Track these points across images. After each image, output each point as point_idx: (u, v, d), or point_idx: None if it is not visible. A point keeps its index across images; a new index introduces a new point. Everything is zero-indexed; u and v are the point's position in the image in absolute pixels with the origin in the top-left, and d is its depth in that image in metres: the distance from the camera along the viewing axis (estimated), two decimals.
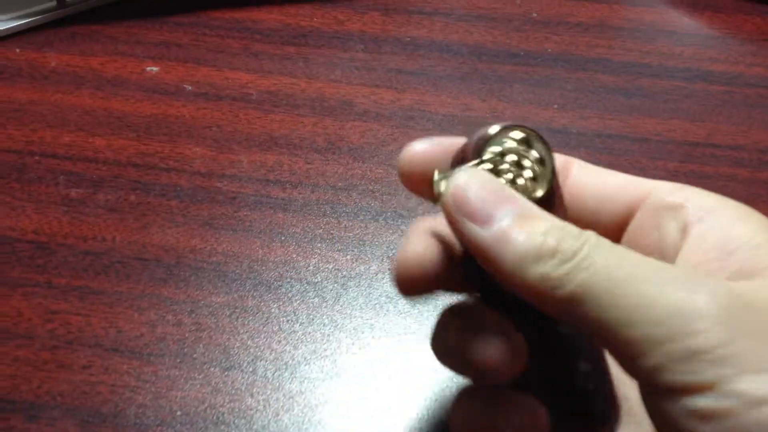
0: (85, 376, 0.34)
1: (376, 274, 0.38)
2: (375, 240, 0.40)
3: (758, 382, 0.18)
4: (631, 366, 0.20)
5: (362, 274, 0.38)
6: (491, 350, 0.22)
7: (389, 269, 0.39)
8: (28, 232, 0.39)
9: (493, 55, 0.50)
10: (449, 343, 0.24)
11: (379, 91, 0.47)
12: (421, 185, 0.25)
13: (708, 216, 0.22)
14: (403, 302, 0.37)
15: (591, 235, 0.20)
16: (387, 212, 0.41)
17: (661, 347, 0.19)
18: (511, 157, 0.22)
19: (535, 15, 0.52)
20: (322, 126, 0.45)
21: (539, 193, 0.22)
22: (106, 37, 0.50)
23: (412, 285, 0.23)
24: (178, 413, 0.33)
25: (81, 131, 0.44)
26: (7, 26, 0.49)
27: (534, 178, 0.22)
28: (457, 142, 0.25)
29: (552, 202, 0.22)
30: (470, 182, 0.21)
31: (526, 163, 0.23)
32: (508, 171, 0.22)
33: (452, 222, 0.22)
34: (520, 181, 0.22)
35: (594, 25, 0.52)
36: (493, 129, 0.23)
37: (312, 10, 0.52)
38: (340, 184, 0.42)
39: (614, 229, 0.25)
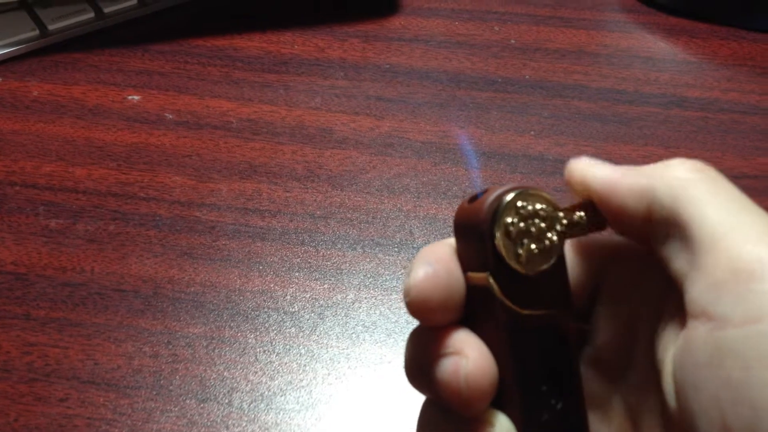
0: (62, 409, 0.34)
1: (353, 303, 0.39)
2: (352, 268, 0.40)
3: None
4: (679, 268, 0.20)
5: (339, 303, 0.39)
6: (451, 372, 0.22)
7: (366, 298, 0.39)
8: (7, 263, 0.40)
9: (472, 82, 0.50)
10: (416, 364, 0.24)
11: (359, 118, 0.48)
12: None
13: None
14: (378, 332, 0.38)
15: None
16: (364, 240, 0.41)
17: (719, 253, 0.19)
18: (529, 220, 0.22)
19: (513, 42, 0.53)
20: (302, 154, 0.46)
21: (552, 259, 0.23)
22: (88, 66, 0.50)
23: (432, 311, 0.23)
24: None
25: (61, 161, 0.45)
26: None
27: (544, 243, 0.22)
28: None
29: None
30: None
31: (541, 225, 0.23)
32: (522, 235, 0.22)
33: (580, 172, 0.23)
34: (539, 230, 0.22)
35: (571, 51, 0.52)
36: (508, 196, 0.22)
37: (293, 38, 0.53)
38: (318, 212, 0.43)
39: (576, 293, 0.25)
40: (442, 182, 0.44)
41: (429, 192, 0.44)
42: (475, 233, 0.22)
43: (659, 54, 0.53)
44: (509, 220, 0.22)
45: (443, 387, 0.22)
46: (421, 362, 0.23)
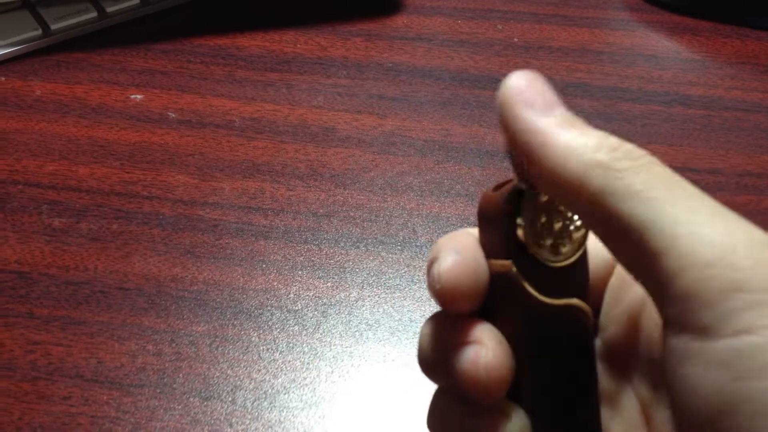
0: (65, 407, 0.34)
1: (356, 301, 0.39)
2: (355, 267, 0.40)
3: None
4: (657, 286, 0.18)
5: (342, 301, 0.39)
6: (471, 360, 0.22)
7: (369, 296, 0.39)
8: (11, 262, 0.40)
9: (475, 81, 0.50)
10: (433, 352, 0.24)
11: (361, 117, 0.48)
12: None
13: None
14: (382, 329, 0.38)
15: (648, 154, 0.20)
16: (367, 239, 0.41)
17: (698, 270, 0.17)
18: (554, 210, 0.22)
19: (516, 40, 0.53)
20: (304, 152, 0.46)
21: (577, 252, 0.22)
22: (90, 65, 0.50)
23: (460, 299, 0.22)
24: None
25: (65, 160, 0.45)
26: None
27: (570, 238, 0.22)
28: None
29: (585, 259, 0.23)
30: (532, 77, 0.21)
31: (562, 220, 0.22)
32: (546, 226, 0.22)
33: (508, 112, 0.21)
34: (558, 226, 0.22)
35: (574, 49, 0.52)
36: (522, 184, 0.22)
37: (296, 36, 0.53)
38: (321, 210, 0.43)
39: (594, 282, 0.25)
40: (445, 180, 0.44)
41: (432, 190, 0.44)
42: (498, 221, 0.22)
43: (662, 52, 0.53)
44: (534, 208, 0.22)
45: (462, 375, 0.22)
46: (438, 351, 0.23)
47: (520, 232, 0.22)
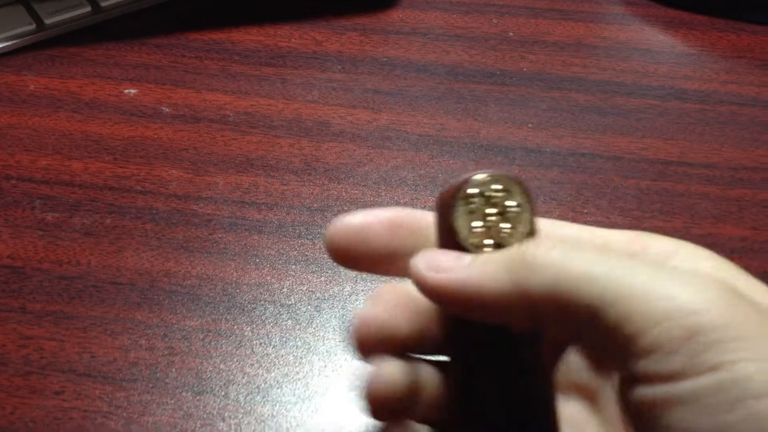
0: (57, 402, 0.34)
1: (350, 296, 0.39)
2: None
3: (761, 372, 0.18)
4: (619, 350, 0.19)
5: (336, 296, 0.39)
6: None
7: (362, 290, 0.39)
8: (4, 256, 0.39)
9: (470, 75, 0.50)
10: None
11: (356, 111, 0.48)
12: (356, 259, 0.24)
13: (669, 259, 0.23)
14: None
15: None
16: None
17: (658, 325, 0.19)
18: (490, 204, 0.22)
19: (511, 34, 0.53)
20: (299, 147, 0.46)
21: (519, 238, 0.22)
22: (84, 60, 0.50)
23: (373, 349, 0.24)
24: None
25: (58, 154, 0.44)
26: None
27: (513, 225, 0.22)
28: (387, 214, 0.24)
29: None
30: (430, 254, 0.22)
31: (507, 209, 0.22)
32: (487, 216, 0.22)
33: (422, 282, 0.22)
34: (501, 226, 0.22)
35: (570, 44, 0.52)
36: (478, 175, 0.22)
37: (290, 31, 0.53)
38: (315, 205, 0.43)
39: None
40: (440, 175, 0.44)
41: (426, 185, 0.44)
42: (440, 212, 0.22)
43: (658, 46, 0.52)
44: (471, 202, 0.22)
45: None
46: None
47: (458, 233, 0.22)
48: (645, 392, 0.19)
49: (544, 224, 0.25)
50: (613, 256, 0.20)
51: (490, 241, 0.22)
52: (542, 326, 0.21)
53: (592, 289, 0.19)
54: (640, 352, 0.19)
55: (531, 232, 0.22)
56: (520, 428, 0.22)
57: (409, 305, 0.24)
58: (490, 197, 0.22)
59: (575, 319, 0.20)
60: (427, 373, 0.24)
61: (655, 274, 0.19)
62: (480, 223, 0.22)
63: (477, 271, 0.21)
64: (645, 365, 0.19)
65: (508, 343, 0.22)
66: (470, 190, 0.22)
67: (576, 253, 0.20)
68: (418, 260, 0.22)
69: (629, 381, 0.19)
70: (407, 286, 0.23)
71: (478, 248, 0.22)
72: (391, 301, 0.24)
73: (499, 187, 0.22)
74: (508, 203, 0.22)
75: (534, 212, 0.22)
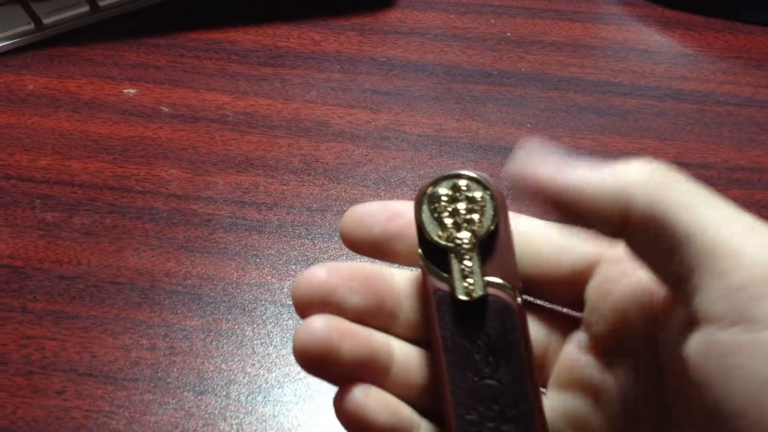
0: (59, 401, 0.34)
1: None
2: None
3: None
4: (706, 279, 0.20)
5: None
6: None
7: None
8: (4, 256, 0.40)
9: (468, 75, 0.50)
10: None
11: (355, 111, 0.48)
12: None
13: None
14: None
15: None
16: None
17: (750, 267, 0.19)
18: (455, 201, 0.24)
19: (509, 34, 0.53)
20: (298, 147, 0.46)
21: (482, 233, 0.24)
22: (83, 60, 0.50)
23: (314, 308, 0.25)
24: None
25: (57, 154, 0.44)
26: None
27: (478, 221, 0.24)
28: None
29: (495, 243, 0.24)
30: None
31: (470, 206, 0.24)
32: (451, 214, 0.24)
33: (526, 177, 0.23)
34: (471, 217, 0.24)
35: (567, 44, 0.52)
36: (440, 177, 0.24)
37: (289, 31, 0.53)
38: (315, 205, 0.43)
39: (573, 279, 0.25)
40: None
41: None
42: (414, 213, 0.24)
43: (655, 46, 0.53)
44: (438, 199, 0.24)
45: None
46: None
47: (423, 228, 0.24)
48: (723, 337, 0.19)
49: (534, 223, 0.25)
50: (720, 203, 0.21)
51: (467, 234, 0.24)
52: (626, 238, 0.22)
53: (693, 216, 0.20)
54: (726, 291, 0.19)
55: (497, 217, 0.24)
56: (499, 415, 0.23)
57: (367, 282, 0.25)
58: (454, 196, 0.24)
59: (669, 235, 0.20)
60: (384, 343, 0.24)
61: (751, 222, 0.20)
62: (450, 220, 0.24)
63: (584, 175, 0.22)
64: (728, 308, 0.19)
65: (492, 327, 0.23)
66: (430, 191, 0.24)
67: (685, 184, 0.21)
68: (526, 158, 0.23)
69: (703, 323, 0.19)
70: (371, 266, 0.25)
71: (449, 241, 0.24)
72: (345, 270, 0.25)
73: (462, 183, 0.24)
74: (472, 196, 0.24)
75: (498, 201, 0.24)
